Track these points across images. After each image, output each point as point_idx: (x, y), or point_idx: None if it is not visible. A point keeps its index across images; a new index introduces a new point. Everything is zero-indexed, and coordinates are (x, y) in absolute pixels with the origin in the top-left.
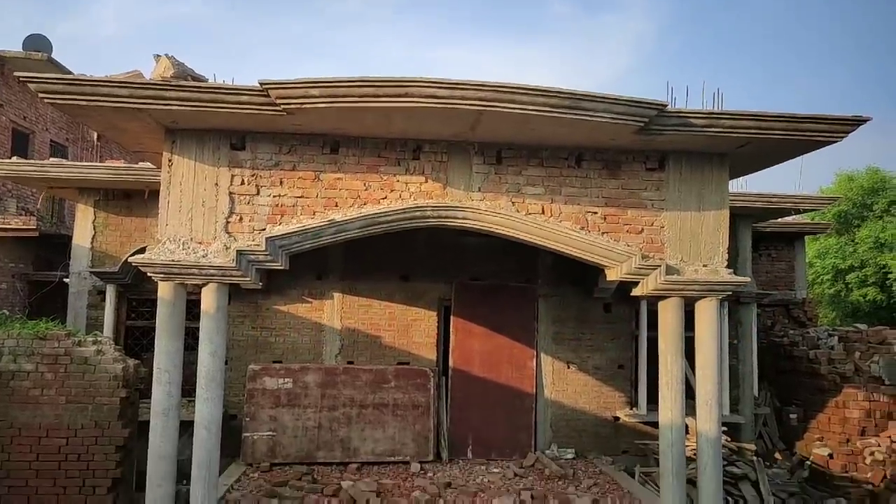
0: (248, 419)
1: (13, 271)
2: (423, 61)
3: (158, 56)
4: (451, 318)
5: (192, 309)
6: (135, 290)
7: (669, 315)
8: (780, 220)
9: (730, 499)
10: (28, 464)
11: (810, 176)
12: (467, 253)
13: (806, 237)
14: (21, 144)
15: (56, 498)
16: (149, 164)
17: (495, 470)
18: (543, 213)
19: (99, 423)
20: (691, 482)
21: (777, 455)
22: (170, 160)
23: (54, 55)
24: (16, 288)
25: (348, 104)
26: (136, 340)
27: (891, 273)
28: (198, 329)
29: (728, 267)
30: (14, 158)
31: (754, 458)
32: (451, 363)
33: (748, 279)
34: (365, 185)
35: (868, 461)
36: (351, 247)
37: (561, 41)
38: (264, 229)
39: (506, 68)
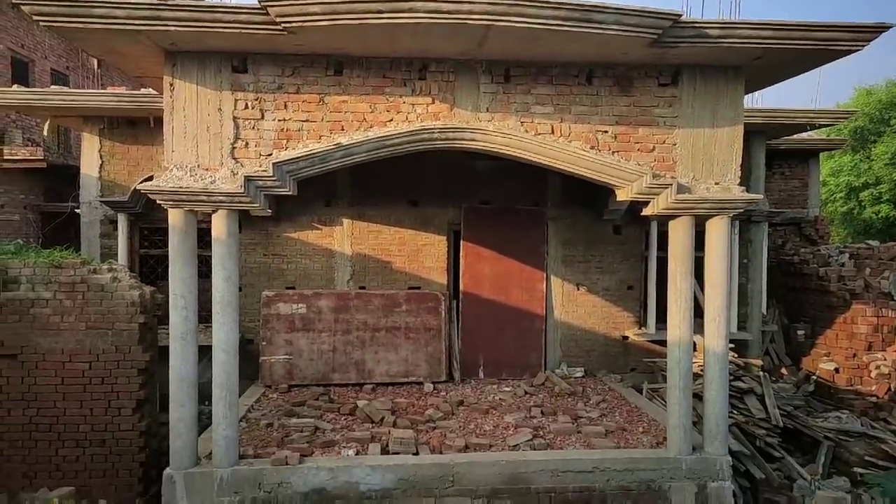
0: (264, 343)
1: (24, 202)
2: None
3: None
4: (461, 242)
5: (204, 237)
6: (146, 219)
7: (680, 234)
8: (794, 136)
9: (735, 412)
10: (54, 387)
11: (829, 91)
12: (476, 177)
13: (820, 154)
14: (21, 73)
15: (84, 418)
16: (151, 90)
17: (506, 389)
18: (553, 132)
19: (120, 348)
20: (698, 396)
21: (783, 370)
22: (171, 84)
23: None
24: (28, 219)
25: (350, 21)
26: (151, 269)
27: None
28: (210, 257)
29: (740, 185)
30: (15, 87)
31: (760, 373)
32: (461, 287)
33: (761, 197)
34: (371, 107)
35: (874, 375)
36: (359, 172)
37: None
38: (271, 154)
39: None
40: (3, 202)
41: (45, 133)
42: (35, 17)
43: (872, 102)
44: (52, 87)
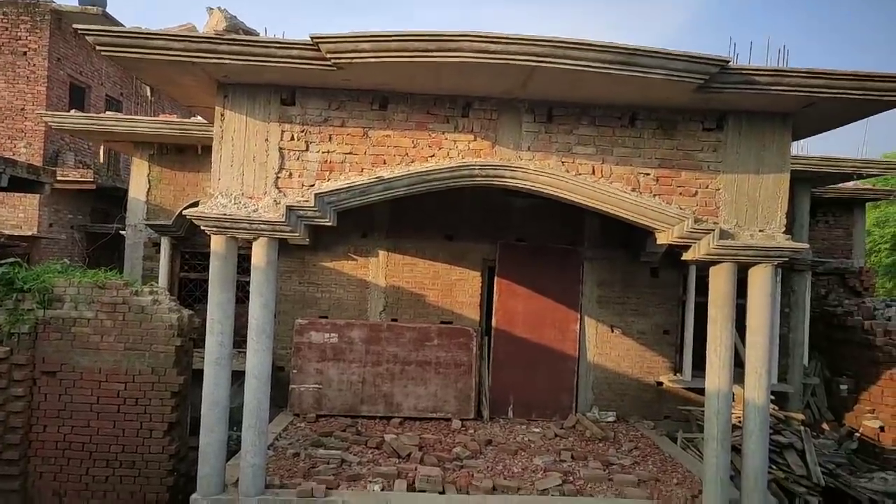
0: (295, 371)
1: (72, 222)
2: (470, 18)
3: (211, 9)
4: (495, 278)
5: (242, 263)
6: (188, 243)
7: (721, 280)
8: (839, 185)
9: (774, 467)
10: (89, 406)
11: (875, 140)
12: (513, 213)
13: (866, 204)
14: (78, 99)
15: (115, 439)
16: (200, 119)
17: (536, 430)
18: (594, 173)
19: (155, 370)
20: (735, 449)
21: (825, 426)
22: (222, 115)
23: (108, 10)
24: (74, 239)
25: (398, 59)
26: (190, 292)
27: None
28: (248, 282)
29: (785, 233)
30: (72, 112)
31: (801, 427)
32: (493, 323)
33: (806, 246)
34: (413, 142)
35: None
36: (396, 205)
37: None
38: (313, 185)
39: (556, 24)
40: (51, 221)
41: (101, 158)
42: (97, 47)
43: None
44: (107, 112)
